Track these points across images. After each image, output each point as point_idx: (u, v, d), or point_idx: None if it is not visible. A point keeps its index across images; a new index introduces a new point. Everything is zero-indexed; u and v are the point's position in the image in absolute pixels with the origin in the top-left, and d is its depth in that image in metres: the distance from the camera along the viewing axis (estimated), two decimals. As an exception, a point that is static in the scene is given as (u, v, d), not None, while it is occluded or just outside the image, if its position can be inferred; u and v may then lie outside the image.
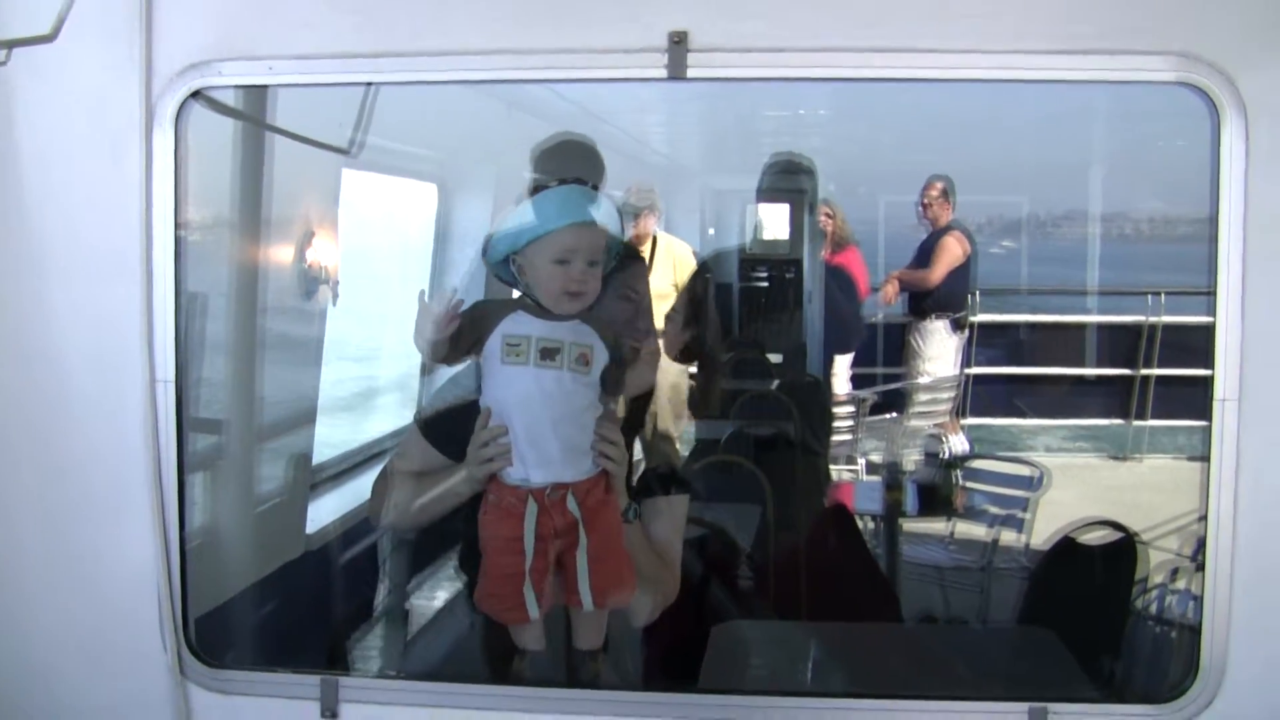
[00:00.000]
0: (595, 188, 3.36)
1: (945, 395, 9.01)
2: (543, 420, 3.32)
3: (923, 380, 9.04)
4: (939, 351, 9.06)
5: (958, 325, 9.11)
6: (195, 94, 3.49)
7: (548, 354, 3.29)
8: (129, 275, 3.49)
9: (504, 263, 3.36)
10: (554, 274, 3.29)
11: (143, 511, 3.57)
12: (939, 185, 9.03)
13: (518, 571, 3.33)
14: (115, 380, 3.57)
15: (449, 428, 3.58)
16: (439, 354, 3.31)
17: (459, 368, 3.54)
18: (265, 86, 3.78)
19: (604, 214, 3.36)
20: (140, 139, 3.46)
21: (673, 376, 7.15)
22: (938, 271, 8.99)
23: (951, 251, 9.01)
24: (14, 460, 3.71)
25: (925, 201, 9.09)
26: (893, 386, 9.01)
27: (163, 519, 3.56)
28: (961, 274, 9.10)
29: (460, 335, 3.28)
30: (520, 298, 3.36)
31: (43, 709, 3.77)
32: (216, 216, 4.04)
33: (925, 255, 9.14)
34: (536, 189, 3.35)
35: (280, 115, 4.04)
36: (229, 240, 4.14)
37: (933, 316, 9.08)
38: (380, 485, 3.66)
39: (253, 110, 3.96)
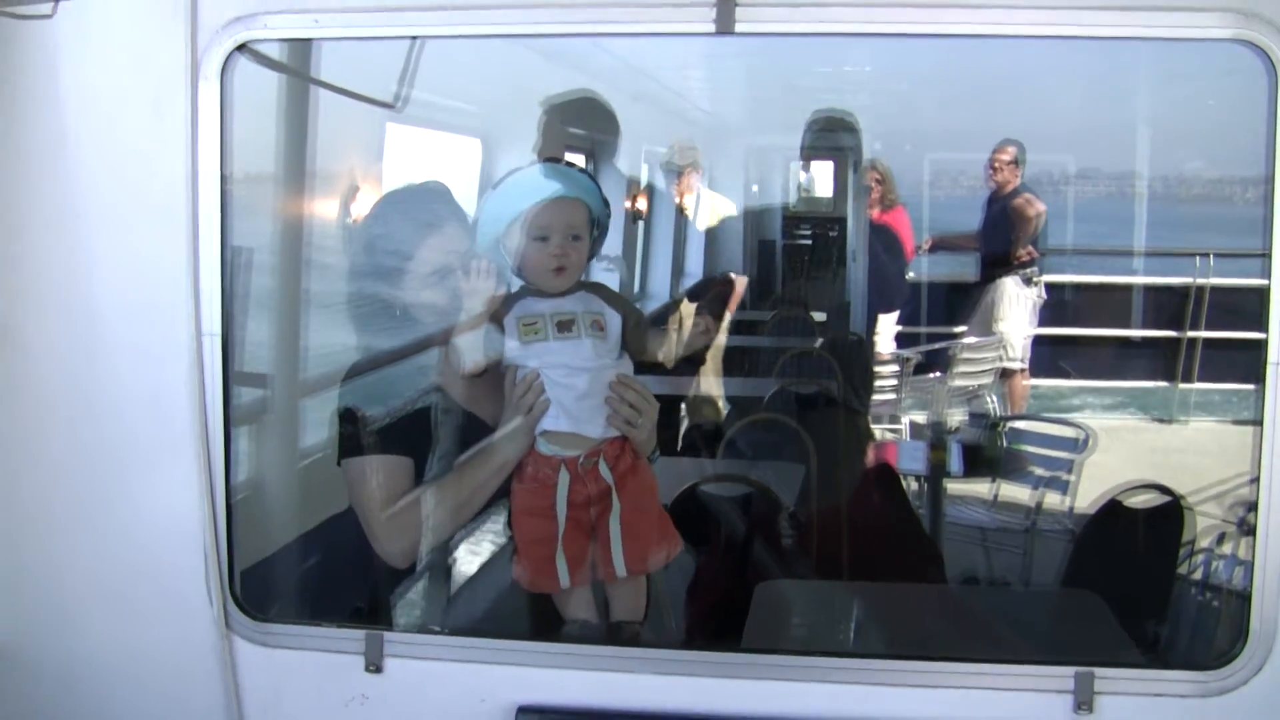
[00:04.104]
0: (607, 152, 3.44)
1: (990, 355, 8.95)
2: (575, 385, 3.39)
3: (968, 340, 9.00)
4: (1011, 309, 9.03)
5: (1028, 281, 9.08)
6: (241, 47, 3.47)
7: (564, 326, 3.39)
8: (174, 228, 3.49)
9: (494, 247, 3.44)
10: (536, 251, 3.40)
11: (188, 465, 3.58)
12: (1011, 150, 8.97)
13: (550, 538, 3.36)
14: (161, 333, 3.58)
15: (404, 429, 3.63)
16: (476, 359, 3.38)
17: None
18: (310, 40, 3.77)
19: (580, 187, 3.44)
20: (186, 92, 3.45)
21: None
22: (1027, 233, 9.00)
23: (1036, 212, 9.00)
24: (59, 413, 3.72)
25: (995, 165, 9.03)
26: (936, 346, 8.96)
27: (209, 472, 3.56)
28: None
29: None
30: (524, 285, 3.45)
31: (86, 660, 3.79)
32: (261, 170, 4.03)
33: (999, 219, 9.10)
34: (510, 172, 3.47)
35: (325, 69, 4.03)
36: (274, 194, 4.13)
37: (1007, 275, 9.06)
38: (395, 528, 3.57)
39: (298, 63, 3.94)
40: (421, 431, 3.62)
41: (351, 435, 3.63)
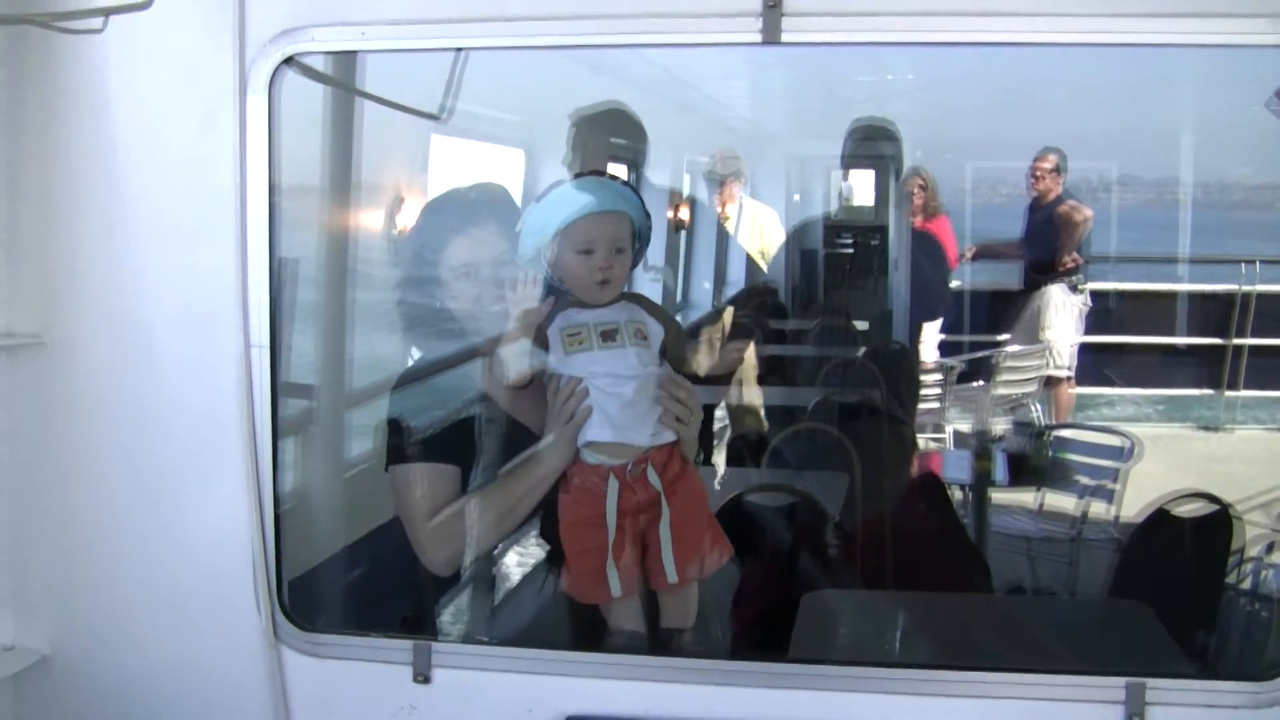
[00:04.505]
0: (636, 163, 3.44)
1: (1034, 363, 8.92)
2: (622, 394, 3.39)
3: (1012, 349, 8.97)
4: (1058, 317, 9.01)
5: (1073, 289, 9.05)
6: (288, 60, 3.50)
7: (608, 335, 3.40)
8: (223, 240, 3.51)
9: (536, 258, 3.44)
10: (580, 264, 3.39)
11: (236, 475, 3.60)
12: (1052, 158, 8.95)
13: (600, 547, 3.37)
14: (209, 344, 3.60)
15: (451, 438, 3.64)
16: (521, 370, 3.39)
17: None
18: (356, 52, 3.80)
19: (623, 200, 3.44)
20: (234, 105, 3.48)
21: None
22: (1074, 240, 8.98)
23: (1084, 218, 8.98)
24: (108, 425, 3.75)
25: (1037, 174, 9.00)
26: (980, 355, 8.92)
27: (257, 483, 3.58)
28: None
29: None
30: (567, 296, 3.44)
31: (135, 671, 3.82)
32: (308, 182, 4.05)
33: (1043, 226, 9.07)
34: (553, 185, 3.46)
35: (370, 80, 4.05)
36: (320, 206, 4.15)
37: (1051, 282, 9.03)
38: (440, 537, 3.58)
39: (344, 75, 3.96)
40: (468, 440, 3.63)
41: (399, 443, 3.64)
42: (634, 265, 3.52)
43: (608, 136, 4.95)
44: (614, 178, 3.54)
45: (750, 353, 6.89)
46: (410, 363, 3.87)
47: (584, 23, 3.40)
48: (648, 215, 3.52)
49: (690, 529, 3.45)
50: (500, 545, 3.80)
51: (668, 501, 3.41)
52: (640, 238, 3.52)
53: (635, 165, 5.53)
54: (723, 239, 8.31)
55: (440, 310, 3.72)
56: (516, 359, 3.38)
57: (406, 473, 3.63)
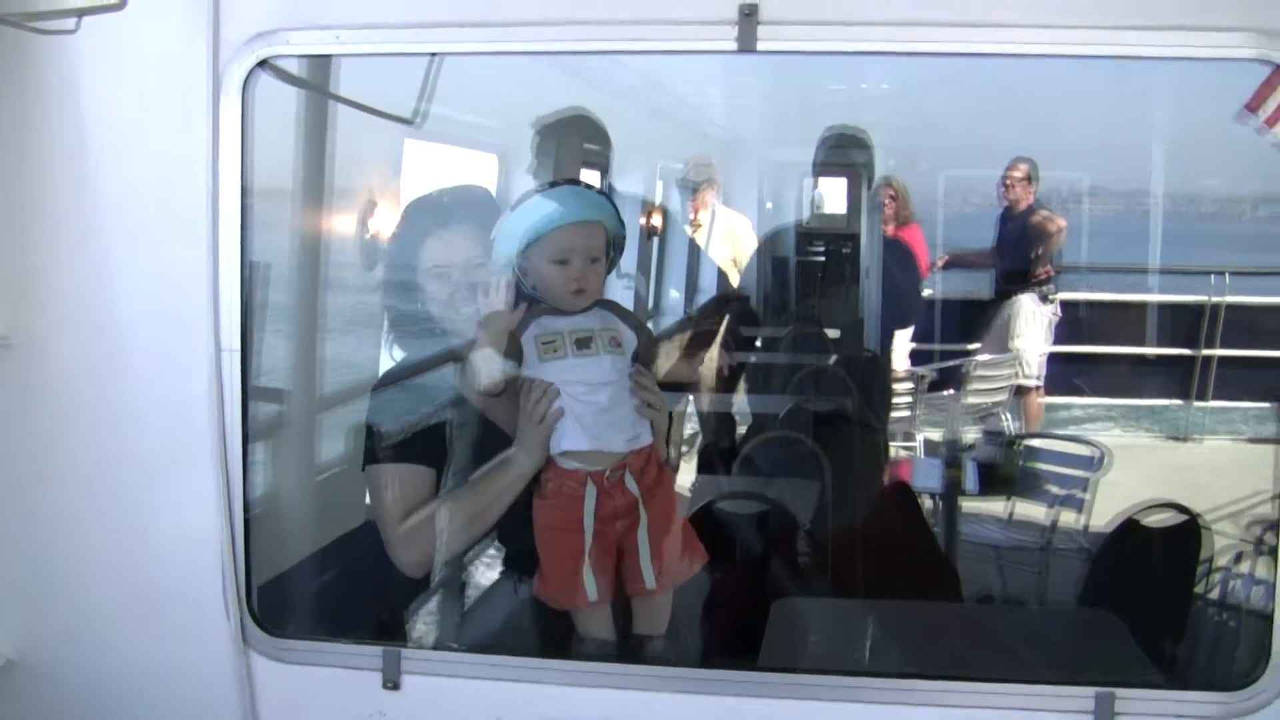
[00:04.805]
0: (601, 167, 3.43)
1: (1005, 372, 8.95)
2: (597, 401, 3.40)
3: (983, 358, 9.00)
4: (1028, 327, 9.05)
5: (1044, 299, 9.09)
6: (262, 63, 3.48)
7: (583, 343, 3.39)
8: (195, 242, 3.50)
9: (509, 266, 3.42)
10: (556, 274, 3.39)
11: (206, 479, 3.58)
12: (1023, 168, 9.01)
13: (576, 553, 3.36)
14: (180, 347, 3.59)
15: (427, 441, 3.63)
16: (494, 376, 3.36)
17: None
18: (331, 56, 3.79)
19: (599, 209, 3.44)
20: (208, 107, 3.46)
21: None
22: (1049, 251, 9.04)
23: (1057, 228, 9.10)
24: (80, 425, 3.73)
25: (1008, 182, 9.05)
26: (951, 363, 8.95)
27: (227, 487, 3.57)
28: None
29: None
30: (539, 304, 3.43)
31: (104, 674, 3.80)
32: (281, 185, 4.04)
33: (1015, 235, 9.12)
34: (528, 194, 3.45)
35: (344, 84, 4.04)
36: (293, 209, 4.14)
37: (1022, 291, 9.08)
38: (411, 538, 3.55)
39: (318, 79, 3.95)
40: (445, 443, 3.62)
41: (376, 444, 3.63)
42: (608, 273, 3.52)
43: (574, 142, 4.94)
44: (589, 186, 3.54)
45: (720, 360, 6.89)
46: (391, 364, 3.85)
47: (560, 29, 3.40)
48: (622, 224, 3.52)
49: (667, 535, 3.45)
50: (470, 551, 3.78)
51: (645, 507, 3.41)
52: (615, 246, 3.52)
53: (601, 170, 5.53)
54: (694, 246, 8.30)
55: (420, 312, 3.71)
56: (489, 365, 3.36)
57: (380, 473, 3.61)
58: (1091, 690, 3.35)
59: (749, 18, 3.27)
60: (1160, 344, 10.56)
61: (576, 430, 3.38)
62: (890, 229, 7.79)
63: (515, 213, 3.41)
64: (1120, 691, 3.35)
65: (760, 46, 3.30)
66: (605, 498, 3.39)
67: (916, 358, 8.54)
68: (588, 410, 3.37)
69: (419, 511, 3.55)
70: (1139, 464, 8.31)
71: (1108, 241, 10.93)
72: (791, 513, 4.95)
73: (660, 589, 3.50)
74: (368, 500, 3.74)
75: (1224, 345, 10.27)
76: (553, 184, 3.45)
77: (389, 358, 3.86)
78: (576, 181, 3.56)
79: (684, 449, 6.47)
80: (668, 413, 3.54)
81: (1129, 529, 5.05)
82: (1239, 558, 4.70)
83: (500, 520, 3.55)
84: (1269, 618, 3.33)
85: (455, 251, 3.60)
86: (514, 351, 3.35)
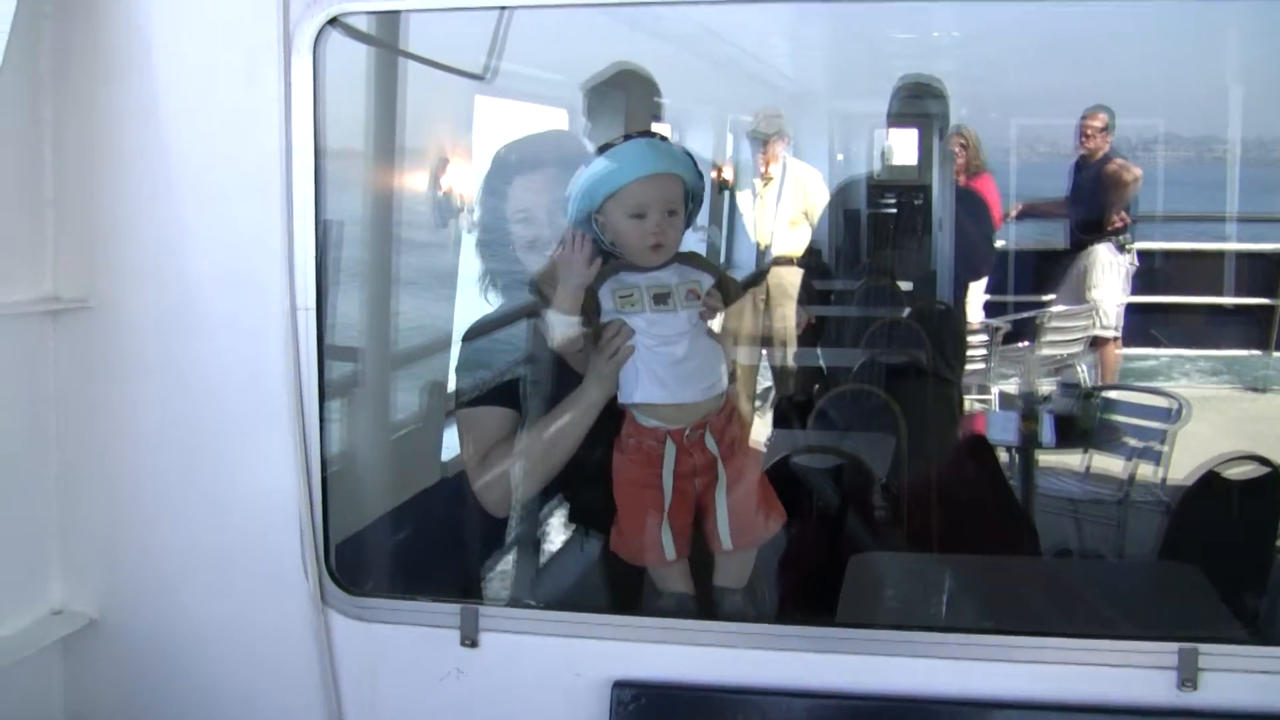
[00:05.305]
0: (653, 125, 3.40)
1: (1081, 323, 8.85)
2: (670, 354, 3.39)
3: (1059, 309, 8.91)
4: (1104, 277, 8.95)
5: (1121, 248, 8.98)
6: (333, 20, 3.47)
7: (660, 299, 3.37)
8: (269, 202, 3.50)
9: (587, 221, 3.40)
10: (633, 228, 3.35)
11: (283, 438, 3.60)
12: (1103, 116, 8.88)
13: (656, 509, 3.36)
14: (255, 305, 3.59)
15: (512, 386, 3.69)
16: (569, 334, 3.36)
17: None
18: (400, 12, 3.77)
19: (676, 161, 3.39)
20: (279, 65, 3.45)
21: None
22: (1123, 199, 8.93)
23: (1134, 177, 8.95)
24: (155, 387, 3.74)
25: (1087, 131, 8.92)
26: (1026, 315, 8.86)
27: (304, 445, 3.58)
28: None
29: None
30: (617, 258, 3.41)
31: (183, 633, 3.83)
32: (353, 143, 4.03)
33: (1090, 185, 9.00)
34: (604, 147, 3.39)
35: (414, 41, 4.02)
36: (365, 167, 4.13)
37: (1098, 241, 8.97)
38: (491, 474, 3.61)
39: (388, 36, 3.93)
40: (527, 386, 3.65)
41: (465, 390, 3.70)
42: (687, 226, 3.49)
43: (624, 98, 4.90)
44: (664, 138, 3.50)
45: (796, 316, 6.86)
46: (485, 311, 3.86)
47: (628, -20, 3.37)
48: (700, 175, 3.49)
49: (746, 495, 3.44)
50: (546, 505, 3.79)
51: (724, 467, 3.40)
52: (693, 198, 3.49)
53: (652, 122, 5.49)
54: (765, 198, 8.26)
55: (511, 257, 3.72)
56: (564, 324, 3.36)
57: (468, 416, 3.70)
58: (1175, 645, 3.29)
59: (819, -36, 3.24)
60: (1239, 294, 10.40)
61: (652, 383, 3.38)
62: (962, 179, 7.69)
63: (590, 168, 3.39)
64: (1204, 647, 3.29)
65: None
66: (684, 455, 3.39)
67: (990, 309, 8.45)
68: (662, 362, 3.36)
69: (501, 449, 3.60)
70: (1219, 415, 8.22)
71: (1183, 190, 10.77)
72: (867, 467, 4.92)
73: (737, 549, 3.49)
74: (458, 445, 3.78)
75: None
76: (627, 137, 3.42)
77: (485, 304, 3.86)
78: (651, 134, 3.52)
79: (758, 403, 6.46)
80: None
81: (1209, 481, 4.96)
82: (1323, 510, 4.63)
83: (571, 475, 3.57)
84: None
85: (542, 196, 3.59)
86: (592, 305, 3.34)
